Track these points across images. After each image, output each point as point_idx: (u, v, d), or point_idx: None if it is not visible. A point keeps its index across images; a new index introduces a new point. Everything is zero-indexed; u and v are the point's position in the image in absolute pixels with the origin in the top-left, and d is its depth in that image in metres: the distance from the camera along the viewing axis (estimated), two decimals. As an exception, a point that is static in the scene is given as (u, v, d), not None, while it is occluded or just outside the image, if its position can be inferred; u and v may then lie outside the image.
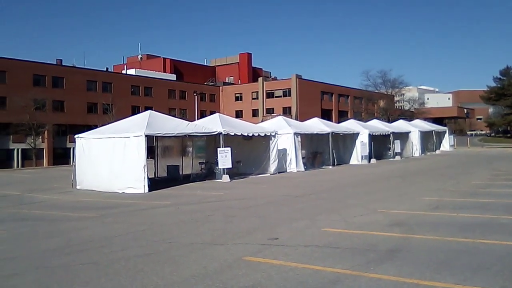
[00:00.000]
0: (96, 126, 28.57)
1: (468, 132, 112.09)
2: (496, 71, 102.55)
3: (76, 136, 20.99)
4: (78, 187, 19.88)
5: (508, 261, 6.48)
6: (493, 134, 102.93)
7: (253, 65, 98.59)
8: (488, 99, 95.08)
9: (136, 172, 18.05)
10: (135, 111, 53.83)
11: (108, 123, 24.88)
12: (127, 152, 18.47)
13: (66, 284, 6.13)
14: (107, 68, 75.94)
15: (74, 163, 20.81)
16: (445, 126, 58.54)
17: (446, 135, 48.11)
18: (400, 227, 9.22)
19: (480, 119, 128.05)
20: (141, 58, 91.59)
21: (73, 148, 21.12)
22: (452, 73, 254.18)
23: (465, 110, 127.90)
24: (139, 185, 17.94)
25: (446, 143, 47.41)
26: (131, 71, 76.65)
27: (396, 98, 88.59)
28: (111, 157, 18.95)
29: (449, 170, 24.37)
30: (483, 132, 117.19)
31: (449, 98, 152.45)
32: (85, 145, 20.17)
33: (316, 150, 30.63)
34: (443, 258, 6.70)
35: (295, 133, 26.40)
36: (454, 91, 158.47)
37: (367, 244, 7.74)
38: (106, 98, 61.07)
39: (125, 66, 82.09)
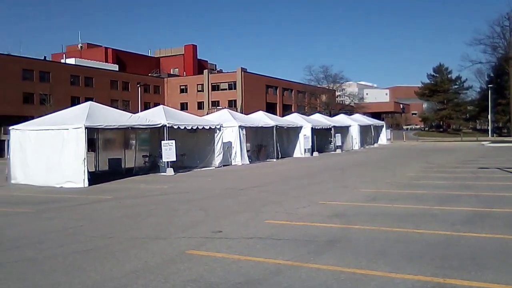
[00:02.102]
0: (32, 117, 27.18)
1: (404, 127, 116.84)
2: (430, 68, 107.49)
3: (10, 127, 19.92)
4: (12, 182, 18.92)
5: (439, 249, 6.85)
6: (427, 129, 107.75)
7: (198, 57, 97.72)
8: (422, 95, 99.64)
9: (75, 165, 17.45)
10: (75, 102, 51.94)
11: (46, 114, 23.80)
12: (66, 144, 17.79)
13: (0, 281, 5.86)
14: (44, 57, 72.41)
15: (8, 156, 19.78)
16: (382, 120, 60.83)
17: (384, 129, 50.08)
18: (339, 218, 9.53)
19: (415, 114, 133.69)
20: (81, 47, 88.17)
21: (8, 141, 20.03)
22: (389, 69, 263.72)
23: (401, 105, 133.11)
24: (79, 179, 17.36)
25: (384, 137, 49.33)
26: (71, 61, 73.62)
27: (337, 93, 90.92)
28: (49, 150, 18.17)
29: (386, 162, 25.36)
30: (418, 126, 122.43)
31: (386, 94, 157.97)
32: (21, 137, 19.20)
33: (261, 143, 30.92)
34: (380, 248, 7.00)
35: (240, 126, 26.49)
36: (391, 87, 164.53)
37: (308, 235, 7.94)
38: (43, 88, 58.43)
39: (64, 55, 78.77)
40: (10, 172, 19.26)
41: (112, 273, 6.01)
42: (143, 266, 6.29)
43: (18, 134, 19.32)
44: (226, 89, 79.65)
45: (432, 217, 9.48)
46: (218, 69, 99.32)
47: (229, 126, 26.06)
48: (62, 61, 73.71)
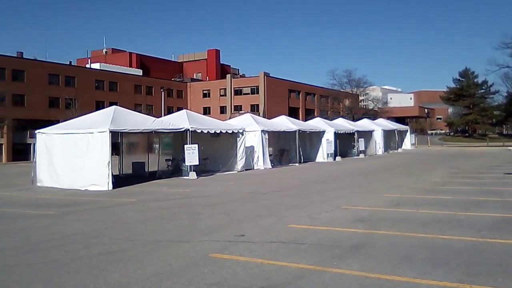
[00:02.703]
0: (58, 121, 27.80)
1: (429, 131, 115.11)
2: (456, 73, 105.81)
3: (37, 131, 20.36)
4: (38, 184, 19.32)
5: (465, 255, 6.70)
6: (452, 134, 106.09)
7: (221, 62, 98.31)
8: (447, 99, 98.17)
9: (100, 169, 17.70)
10: (99, 106, 52.79)
11: (71, 119, 24.26)
12: (91, 148, 18.08)
13: (25, 282, 5.96)
14: (70, 62, 74.09)
15: (34, 159, 20.20)
16: (406, 125, 60.06)
17: (408, 134, 49.41)
18: (363, 223, 9.41)
19: (440, 118, 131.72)
20: (106, 52, 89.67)
21: (34, 144, 20.45)
22: (414, 74, 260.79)
23: (426, 110, 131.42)
24: (103, 182, 17.60)
25: (408, 142, 48.67)
26: (96, 65, 75.02)
27: (360, 98, 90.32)
28: (74, 154, 18.49)
29: (410, 168, 25.00)
30: (443, 131, 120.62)
31: (411, 98, 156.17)
32: (47, 140, 19.59)
33: (283, 148, 30.87)
34: (404, 253, 6.88)
35: (262, 131, 26.50)
36: (416, 91, 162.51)
37: (332, 240, 7.87)
38: (69, 92, 59.59)
39: (89, 60, 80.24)
40: (36, 175, 19.65)
41: (136, 276, 6.06)
42: (166, 269, 6.33)
43: (44, 137, 19.70)
44: (248, 94, 79.83)
45: (458, 223, 9.29)
46: (241, 74, 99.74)
47: (251, 130, 26.09)
48: (87, 66, 75.06)
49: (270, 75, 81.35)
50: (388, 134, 43.80)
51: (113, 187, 17.57)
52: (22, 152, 54.35)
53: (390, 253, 6.91)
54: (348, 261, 6.52)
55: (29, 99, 57.74)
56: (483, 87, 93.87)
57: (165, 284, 5.65)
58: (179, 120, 22.50)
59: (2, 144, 54.89)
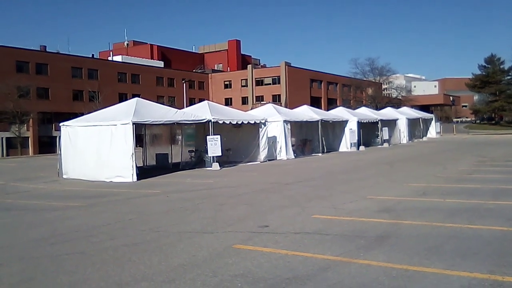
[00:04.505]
0: (82, 114, 28.13)
1: (454, 119, 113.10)
2: (481, 59, 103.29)
3: (61, 124, 20.63)
4: (64, 176, 19.62)
5: (496, 246, 6.51)
6: (478, 121, 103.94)
7: (242, 52, 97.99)
8: (473, 86, 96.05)
9: (124, 160, 17.85)
10: (122, 98, 53.24)
11: (94, 111, 24.54)
12: (114, 140, 18.23)
13: (51, 274, 6.02)
14: (92, 55, 74.93)
15: (59, 152, 20.50)
16: (431, 113, 58.96)
17: (433, 122, 48.53)
18: (388, 213, 9.25)
19: (466, 106, 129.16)
20: (127, 44, 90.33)
21: (59, 137, 20.74)
22: (438, 61, 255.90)
23: (451, 98, 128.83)
24: (127, 174, 17.76)
25: (433, 130, 47.83)
26: (118, 58, 75.63)
27: (383, 86, 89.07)
28: (98, 146, 18.69)
29: (436, 156, 24.54)
30: (469, 119, 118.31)
31: (435, 86, 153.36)
32: (71, 133, 19.85)
33: (306, 138, 30.65)
34: (432, 244, 6.72)
35: (284, 121, 26.33)
36: (440, 79, 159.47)
37: (357, 231, 7.74)
38: (92, 85, 60.32)
39: (111, 53, 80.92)
40: (62, 167, 19.95)
41: (161, 267, 6.06)
42: (190, 260, 6.31)
43: (68, 130, 19.96)
44: (270, 84, 79.52)
45: (487, 212, 9.05)
46: (262, 64, 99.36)
47: (273, 120, 25.95)
48: (110, 58, 75.78)
49: (292, 65, 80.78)
50: (412, 123, 43.07)
51: (137, 179, 17.71)
52: (48, 144, 55.42)
53: (417, 244, 6.76)
54: (374, 252, 6.40)
55: (53, 92, 58.64)
56: (510, 73, 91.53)
57: (190, 276, 5.63)
58: (201, 111, 22.52)
59: (28, 137, 56.00)
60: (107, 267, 6.19)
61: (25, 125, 54.67)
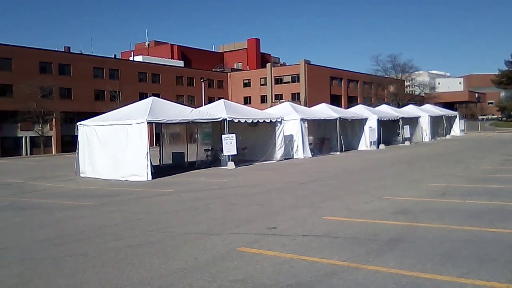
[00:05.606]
0: (103, 114, 28.22)
1: (479, 117, 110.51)
2: (508, 55, 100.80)
3: (78, 123, 20.74)
4: (81, 175, 19.72)
5: (517, 251, 6.10)
6: (504, 119, 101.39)
7: (261, 51, 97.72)
8: (499, 83, 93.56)
9: (139, 159, 17.81)
10: (142, 97, 53.00)
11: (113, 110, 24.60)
12: (130, 139, 18.23)
13: (48, 277, 5.85)
14: (114, 55, 75.70)
15: (77, 151, 20.61)
16: (455, 110, 57.71)
17: (457, 119, 47.41)
18: (404, 215, 8.87)
19: (492, 103, 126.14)
20: (148, 44, 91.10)
21: (77, 136, 20.87)
22: (463, 57, 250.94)
23: (476, 95, 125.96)
24: (142, 173, 17.71)
25: (457, 128, 46.75)
26: (139, 58, 76.31)
27: (406, 83, 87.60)
28: (114, 144, 18.73)
29: (459, 155, 23.84)
30: (495, 116, 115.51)
31: (460, 83, 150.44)
32: (88, 132, 19.93)
33: (324, 136, 30.23)
34: (448, 249, 6.34)
35: (301, 119, 25.98)
36: (465, 76, 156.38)
37: (369, 234, 7.40)
38: (113, 85, 60.98)
39: (132, 53, 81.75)
40: (79, 166, 20.03)
41: (160, 270, 5.84)
42: (192, 264, 6.08)
43: (85, 129, 20.04)
44: (289, 82, 79.02)
45: (510, 214, 8.60)
46: (281, 62, 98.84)
47: (290, 119, 25.62)
48: (131, 59, 76.42)
49: (311, 63, 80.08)
50: (435, 120, 42.13)
51: (152, 178, 17.64)
52: (70, 143, 55.76)
53: (432, 248, 6.38)
54: (384, 257, 6.05)
55: (75, 92, 59.45)
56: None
57: (188, 280, 5.39)
58: (216, 110, 22.35)
59: (51, 136, 56.90)
60: (107, 270, 6.00)
61: (48, 124, 55.52)
